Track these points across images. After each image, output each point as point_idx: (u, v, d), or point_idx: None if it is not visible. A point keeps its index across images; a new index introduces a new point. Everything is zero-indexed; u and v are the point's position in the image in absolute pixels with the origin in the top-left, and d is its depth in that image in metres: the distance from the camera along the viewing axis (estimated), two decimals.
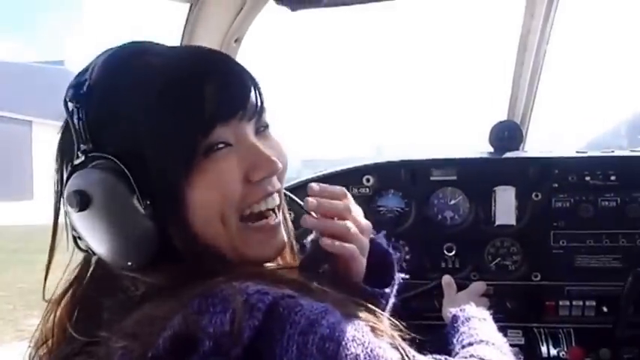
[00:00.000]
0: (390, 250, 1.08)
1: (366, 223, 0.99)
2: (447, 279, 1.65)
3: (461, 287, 1.63)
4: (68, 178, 0.80)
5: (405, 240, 1.87)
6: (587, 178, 1.83)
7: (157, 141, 0.78)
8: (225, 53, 0.89)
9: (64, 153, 0.85)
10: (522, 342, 1.80)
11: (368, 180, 1.92)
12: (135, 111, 0.79)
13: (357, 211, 0.99)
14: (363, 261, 0.96)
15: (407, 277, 1.14)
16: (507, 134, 1.98)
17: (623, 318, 1.71)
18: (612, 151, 1.90)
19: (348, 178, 1.91)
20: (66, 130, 0.84)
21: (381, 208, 1.92)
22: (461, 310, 1.19)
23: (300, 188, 1.30)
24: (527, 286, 1.84)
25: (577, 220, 1.82)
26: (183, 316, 0.68)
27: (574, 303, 1.81)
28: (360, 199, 1.91)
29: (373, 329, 0.76)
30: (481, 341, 1.03)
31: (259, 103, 0.86)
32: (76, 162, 0.80)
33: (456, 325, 1.14)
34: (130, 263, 0.79)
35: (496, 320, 1.18)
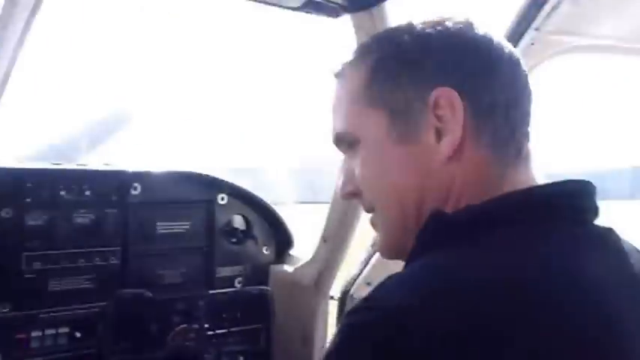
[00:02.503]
0: None
1: None
2: None
3: None
4: None
5: None
6: (63, 193, 1.70)
7: None
8: None
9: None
10: None
11: None
12: None
13: None
14: None
15: None
16: None
17: (107, 343, 1.63)
18: (86, 165, 1.82)
19: None
20: None
21: None
22: None
23: None
24: None
25: (53, 239, 1.67)
26: None
27: (47, 332, 1.64)
28: None
29: None
30: None
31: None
32: None
33: None
34: None
35: None
